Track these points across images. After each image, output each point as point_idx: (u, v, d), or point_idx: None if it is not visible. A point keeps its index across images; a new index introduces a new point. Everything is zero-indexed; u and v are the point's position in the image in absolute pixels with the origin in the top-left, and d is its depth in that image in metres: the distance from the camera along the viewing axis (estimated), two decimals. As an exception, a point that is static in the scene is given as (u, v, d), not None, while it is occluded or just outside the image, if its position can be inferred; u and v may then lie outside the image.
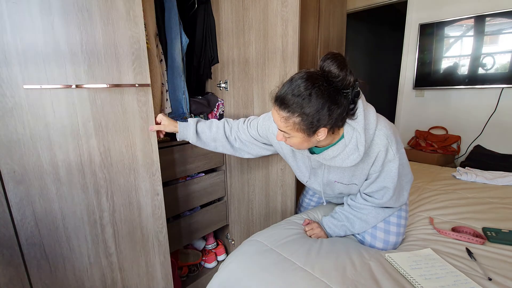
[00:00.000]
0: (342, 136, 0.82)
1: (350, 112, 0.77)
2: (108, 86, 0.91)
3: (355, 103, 0.77)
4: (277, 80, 1.24)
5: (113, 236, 1.02)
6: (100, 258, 1.00)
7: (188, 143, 1.39)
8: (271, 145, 1.07)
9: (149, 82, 0.96)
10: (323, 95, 0.71)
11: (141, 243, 1.08)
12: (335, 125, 0.77)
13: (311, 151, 0.91)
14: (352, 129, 0.79)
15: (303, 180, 1.07)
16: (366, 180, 0.90)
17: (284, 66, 1.20)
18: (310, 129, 0.74)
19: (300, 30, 1.13)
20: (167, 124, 1.03)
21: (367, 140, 0.78)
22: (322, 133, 0.76)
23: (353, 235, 1.03)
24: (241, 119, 1.13)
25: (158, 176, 1.07)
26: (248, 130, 1.07)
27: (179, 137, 1.08)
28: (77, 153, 0.90)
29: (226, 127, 1.09)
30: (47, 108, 0.84)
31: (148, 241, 1.10)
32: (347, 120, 0.78)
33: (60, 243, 0.93)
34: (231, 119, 1.14)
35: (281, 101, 0.75)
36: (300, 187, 1.36)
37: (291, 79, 0.76)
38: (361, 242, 0.99)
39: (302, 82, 0.73)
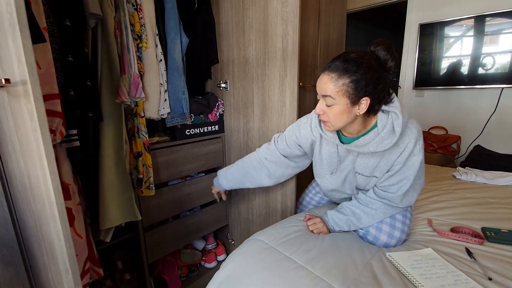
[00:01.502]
0: (374, 126, 0.86)
1: (387, 96, 0.82)
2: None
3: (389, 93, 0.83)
4: (277, 80, 1.24)
5: (54, 286, 0.78)
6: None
7: (188, 143, 1.40)
8: (300, 155, 1.13)
9: (26, 76, 0.54)
10: (373, 66, 0.78)
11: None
12: (374, 105, 0.81)
13: (341, 141, 0.93)
14: (387, 115, 0.83)
15: (326, 175, 1.06)
16: (387, 172, 0.91)
17: (284, 66, 1.20)
18: (356, 94, 0.77)
19: (300, 30, 1.13)
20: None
21: (403, 124, 0.81)
22: (363, 104, 0.79)
23: (355, 230, 1.03)
24: (265, 144, 1.20)
25: (63, 244, 0.65)
26: (277, 147, 1.13)
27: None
28: (20, 170, 0.71)
29: (256, 157, 1.19)
30: (1, 111, 0.69)
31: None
32: (383, 107, 0.83)
33: (35, 260, 0.81)
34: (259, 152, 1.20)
35: (333, 65, 0.79)
36: (300, 187, 1.36)
37: (343, 52, 0.82)
38: (364, 236, 0.99)
39: (354, 53, 0.79)
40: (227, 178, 1.26)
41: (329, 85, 0.78)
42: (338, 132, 0.95)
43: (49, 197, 0.64)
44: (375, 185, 0.97)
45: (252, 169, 1.19)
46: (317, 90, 0.84)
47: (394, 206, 0.96)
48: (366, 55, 0.78)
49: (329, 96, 0.79)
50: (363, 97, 0.78)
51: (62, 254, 0.69)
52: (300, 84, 1.21)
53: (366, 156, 0.91)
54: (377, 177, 0.93)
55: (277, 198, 1.38)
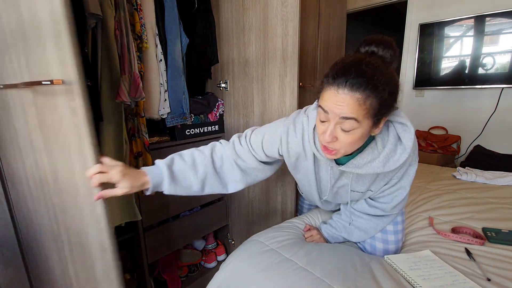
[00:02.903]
0: (370, 140, 0.72)
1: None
2: (34, 84, 0.64)
3: None
4: (277, 80, 1.24)
5: (75, 276, 0.81)
6: (65, 271, 0.84)
7: (188, 143, 1.39)
8: (275, 162, 0.92)
9: (75, 77, 0.60)
10: (394, 75, 0.63)
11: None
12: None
13: (336, 162, 0.78)
14: (386, 125, 0.71)
15: (315, 198, 0.96)
16: (384, 185, 0.83)
17: (284, 66, 1.19)
18: (381, 114, 0.62)
19: (300, 30, 1.13)
20: (129, 181, 0.68)
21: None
22: (382, 124, 0.65)
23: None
24: (234, 141, 0.88)
25: (104, 225, 0.69)
26: (253, 154, 0.86)
27: (150, 189, 0.76)
28: (37, 166, 0.73)
29: (216, 161, 0.84)
30: (11, 111, 0.73)
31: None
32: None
33: (41, 257, 0.83)
34: (218, 146, 0.87)
35: (356, 82, 0.58)
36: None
37: (357, 61, 0.61)
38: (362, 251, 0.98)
39: (373, 60, 0.61)
40: (176, 181, 0.82)
41: (354, 106, 0.59)
42: None
43: (90, 197, 0.68)
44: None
45: (222, 172, 0.86)
46: (326, 107, 0.63)
47: (385, 217, 0.90)
48: (384, 64, 0.63)
49: (353, 119, 0.60)
50: (384, 116, 0.64)
51: (100, 236, 0.70)
52: (300, 84, 1.21)
53: (365, 175, 0.79)
54: (372, 191, 0.85)
55: (277, 199, 1.38)
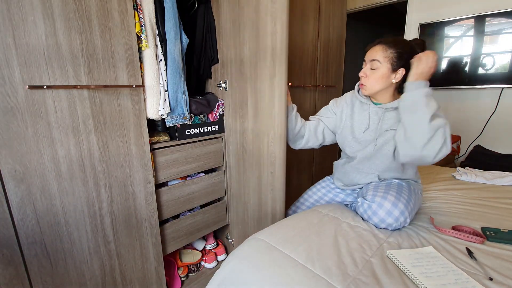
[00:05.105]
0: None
1: None
2: (106, 86, 0.99)
3: None
4: (267, 80, 1.21)
5: (111, 224, 1.10)
6: (99, 247, 1.08)
7: (188, 143, 1.40)
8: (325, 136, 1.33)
9: (141, 83, 1.10)
10: (414, 49, 1.05)
11: (136, 228, 1.18)
12: (406, 78, 1.03)
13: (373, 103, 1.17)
14: None
15: (359, 134, 1.19)
16: None
17: (274, 65, 1.16)
18: (397, 63, 1.03)
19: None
20: None
21: None
22: (399, 74, 1.04)
23: (357, 205, 1.10)
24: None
25: (149, 166, 1.19)
26: (318, 119, 1.33)
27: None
28: (78, 149, 0.97)
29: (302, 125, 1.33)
30: (49, 107, 0.88)
31: (142, 226, 1.20)
32: None
33: (61, 237, 0.97)
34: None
35: (387, 40, 1.05)
36: (288, 193, 1.34)
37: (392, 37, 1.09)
38: (369, 207, 1.03)
39: (402, 37, 1.14)
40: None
41: (380, 52, 1.04)
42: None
43: (141, 151, 1.15)
44: None
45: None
46: (366, 57, 1.10)
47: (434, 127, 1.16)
48: (411, 42, 1.07)
49: (376, 60, 1.04)
50: (401, 67, 1.03)
51: (147, 190, 1.21)
52: (289, 84, 1.19)
53: (393, 110, 1.11)
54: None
55: (268, 203, 1.36)
